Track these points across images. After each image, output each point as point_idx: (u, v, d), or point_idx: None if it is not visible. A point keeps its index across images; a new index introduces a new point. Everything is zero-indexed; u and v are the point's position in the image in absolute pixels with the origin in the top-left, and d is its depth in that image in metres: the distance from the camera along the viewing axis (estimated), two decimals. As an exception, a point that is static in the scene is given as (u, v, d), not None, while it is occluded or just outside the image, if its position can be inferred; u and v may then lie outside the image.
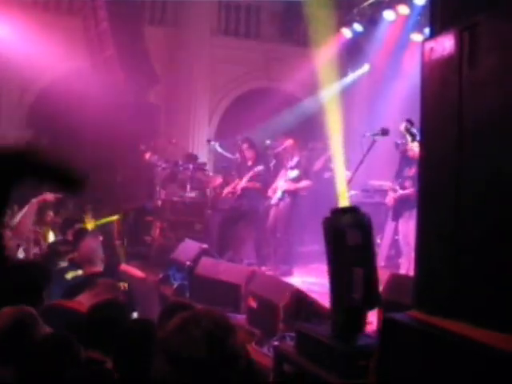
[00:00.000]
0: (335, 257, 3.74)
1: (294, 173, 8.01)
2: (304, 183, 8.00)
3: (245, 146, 8.85)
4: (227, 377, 1.82)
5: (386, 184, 8.93)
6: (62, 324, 3.50)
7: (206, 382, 1.79)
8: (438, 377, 2.42)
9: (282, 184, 8.07)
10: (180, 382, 1.77)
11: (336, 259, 3.74)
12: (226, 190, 8.96)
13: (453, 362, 2.37)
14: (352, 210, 3.82)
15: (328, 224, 3.77)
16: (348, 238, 3.63)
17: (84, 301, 4.01)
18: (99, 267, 5.03)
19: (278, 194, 8.03)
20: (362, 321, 3.71)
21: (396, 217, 7.28)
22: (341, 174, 7.66)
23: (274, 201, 8.10)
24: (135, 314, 4.59)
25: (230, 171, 10.11)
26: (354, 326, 3.68)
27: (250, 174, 8.54)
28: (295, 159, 8.08)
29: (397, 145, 7.26)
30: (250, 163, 8.70)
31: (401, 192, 7.20)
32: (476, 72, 2.49)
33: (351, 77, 12.92)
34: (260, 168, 8.50)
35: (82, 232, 6.98)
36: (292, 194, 7.99)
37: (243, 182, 8.61)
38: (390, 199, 7.45)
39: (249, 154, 8.77)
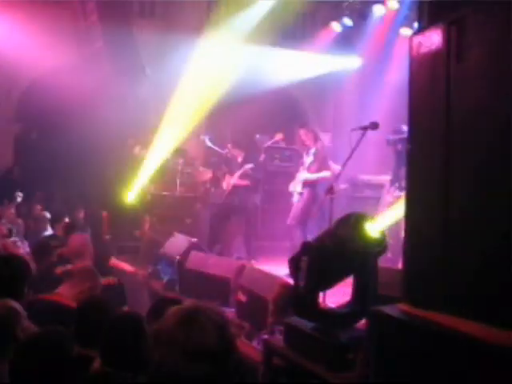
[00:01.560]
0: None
1: (309, 159, 7.72)
2: (323, 174, 7.63)
3: (229, 146, 8.95)
4: (227, 365, 1.85)
5: (382, 178, 8.91)
6: (46, 318, 3.48)
7: (215, 371, 1.80)
8: (426, 368, 2.44)
9: (300, 177, 7.82)
10: (191, 373, 1.79)
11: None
12: (225, 185, 8.91)
13: (441, 354, 2.38)
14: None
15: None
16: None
17: (64, 292, 4.00)
18: (88, 261, 5.02)
19: (298, 188, 7.79)
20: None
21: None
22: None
23: (295, 198, 7.83)
24: (125, 308, 4.58)
25: (219, 166, 10.11)
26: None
27: (240, 171, 8.53)
28: (312, 150, 7.82)
29: (388, 141, 7.17)
30: (240, 159, 8.71)
31: (401, 194, 7.10)
32: (463, 65, 2.49)
33: (341, 71, 12.94)
34: (248, 166, 8.49)
35: (71, 227, 6.97)
36: (310, 186, 7.71)
37: (234, 179, 8.60)
38: (389, 198, 7.31)
39: (235, 152, 8.82)
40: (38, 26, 11.43)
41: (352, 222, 3.72)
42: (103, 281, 4.47)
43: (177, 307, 1.91)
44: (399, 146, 7.07)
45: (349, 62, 12.86)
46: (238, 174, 8.56)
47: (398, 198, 7.14)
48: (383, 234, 3.82)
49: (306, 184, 7.70)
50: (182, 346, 1.79)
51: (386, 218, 5.62)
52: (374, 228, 3.75)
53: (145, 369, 2.49)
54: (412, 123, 2.88)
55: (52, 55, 12.20)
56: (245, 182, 8.54)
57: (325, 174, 7.63)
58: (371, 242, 3.69)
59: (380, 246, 3.73)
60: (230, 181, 8.68)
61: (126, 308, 4.59)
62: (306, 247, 3.83)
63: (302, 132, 8.00)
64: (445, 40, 2.59)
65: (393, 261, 7.06)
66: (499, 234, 2.32)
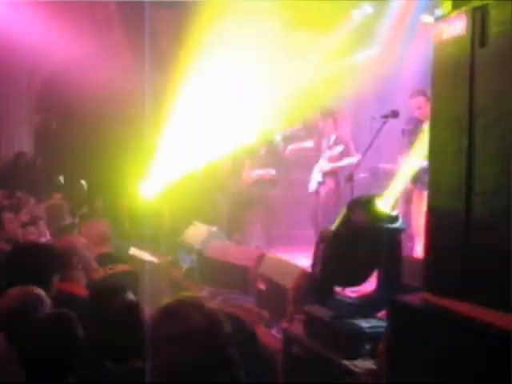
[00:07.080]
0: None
1: (339, 148, 7.41)
2: (346, 161, 7.36)
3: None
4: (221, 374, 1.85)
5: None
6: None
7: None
8: (448, 358, 2.42)
9: (320, 166, 7.58)
10: None
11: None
12: (245, 174, 8.90)
13: (463, 343, 2.37)
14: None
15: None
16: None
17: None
18: (107, 248, 5.04)
19: (317, 176, 7.53)
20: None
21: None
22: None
23: (313, 186, 7.60)
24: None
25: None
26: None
27: (264, 173, 8.54)
28: (332, 137, 7.61)
29: (403, 131, 7.01)
30: (262, 152, 8.75)
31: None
32: (487, 51, 2.46)
33: (361, 58, 12.82)
34: (272, 173, 8.51)
35: (89, 215, 7.03)
36: (333, 175, 7.49)
37: (255, 175, 8.63)
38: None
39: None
40: (56, 16, 11.46)
41: (362, 205, 3.70)
42: (118, 268, 4.49)
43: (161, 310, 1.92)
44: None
45: (368, 50, 12.73)
46: (261, 172, 8.57)
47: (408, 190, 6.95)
48: (394, 209, 3.78)
49: (328, 173, 7.58)
50: (168, 359, 1.82)
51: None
52: (385, 205, 3.70)
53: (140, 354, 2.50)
54: (435, 110, 2.86)
55: (71, 45, 12.24)
56: (267, 176, 8.58)
57: (349, 160, 7.38)
58: (384, 218, 3.65)
59: (394, 221, 3.67)
60: (251, 174, 8.69)
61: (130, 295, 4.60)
62: (323, 234, 3.83)
63: (322, 119, 7.83)
64: (468, 26, 2.56)
65: (412, 250, 7.00)
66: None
